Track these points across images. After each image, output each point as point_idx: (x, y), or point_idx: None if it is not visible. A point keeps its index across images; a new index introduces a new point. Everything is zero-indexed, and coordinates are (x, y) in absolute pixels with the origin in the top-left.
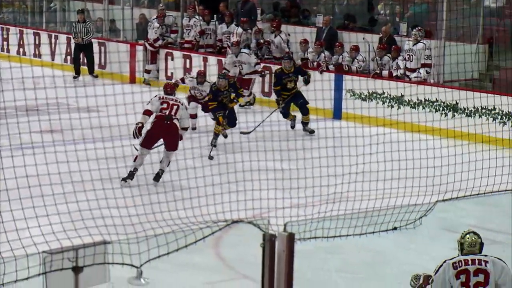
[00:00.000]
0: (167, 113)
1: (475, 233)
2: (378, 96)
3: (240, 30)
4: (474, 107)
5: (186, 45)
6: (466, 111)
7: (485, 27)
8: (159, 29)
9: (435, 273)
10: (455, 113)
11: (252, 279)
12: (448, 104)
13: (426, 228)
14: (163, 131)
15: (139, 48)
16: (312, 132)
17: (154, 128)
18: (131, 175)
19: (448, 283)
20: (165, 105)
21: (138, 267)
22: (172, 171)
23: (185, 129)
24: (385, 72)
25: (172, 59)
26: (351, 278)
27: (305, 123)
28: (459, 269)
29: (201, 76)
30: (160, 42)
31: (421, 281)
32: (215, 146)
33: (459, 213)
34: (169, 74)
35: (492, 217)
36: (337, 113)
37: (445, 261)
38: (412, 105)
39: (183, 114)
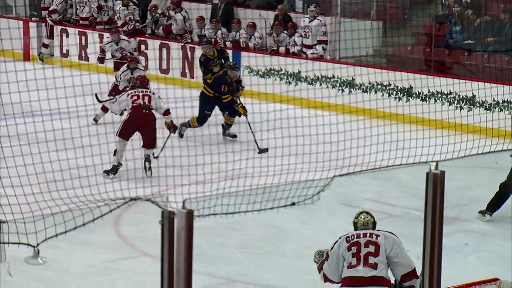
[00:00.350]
0: (141, 103)
1: (367, 213)
2: (276, 72)
3: (119, 7)
4: (369, 83)
5: (82, 22)
6: (362, 87)
7: (379, 4)
8: (61, 4)
9: (331, 249)
10: (352, 89)
11: (152, 256)
12: (345, 80)
13: (325, 203)
14: (141, 121)
15: (32, 25)
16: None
17: (131, 118)
18: (114, 169)
19: (341, 258)
20: (135, 98)
21: (35, 247)
22: (68, 149)
23: (167, 112)
24: (282, 49)
25: (67, 36)
26: (251, 254)
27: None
28: (351, 242)
29: (134, 62)
30: (56, 15)
31: (324, 257)
32: (181, 136)
33: (356, 188)
34: (64, 51)
35: (388, 191)
36: None
37: (340, 237)
38: (309, 82)
39: (157, 103)
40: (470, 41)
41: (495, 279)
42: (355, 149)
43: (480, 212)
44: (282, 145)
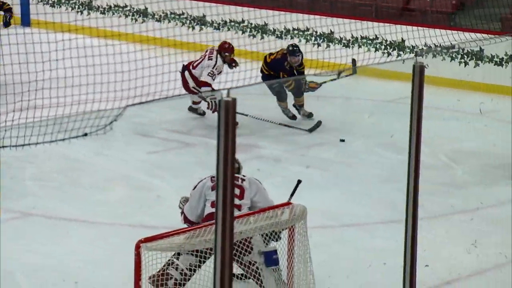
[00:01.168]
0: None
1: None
2: (67, 2)
3: None
4: (163, 12)
5: None
6: (155, 16)
7: None
8: None
9: (194, 188)
10: (145, 18)
11: None
12: (137, 9)
13: (120, 134)
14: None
15: None
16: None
17: None
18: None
19: (203, 196)
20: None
21: None
22: None
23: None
24: None
25: None
26: (46, 186)
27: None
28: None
29: None
30: None
31: None
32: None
33: (152, 118)
34: None
35: (184, 120)
36: (25, 19)
37: (205, 177)
38: (102, 11)
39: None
40: None
41: (288, 204)
42: (147, 78)
43: None
44: (72, 75)
